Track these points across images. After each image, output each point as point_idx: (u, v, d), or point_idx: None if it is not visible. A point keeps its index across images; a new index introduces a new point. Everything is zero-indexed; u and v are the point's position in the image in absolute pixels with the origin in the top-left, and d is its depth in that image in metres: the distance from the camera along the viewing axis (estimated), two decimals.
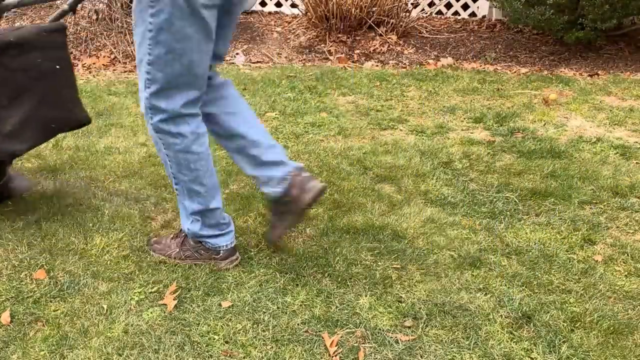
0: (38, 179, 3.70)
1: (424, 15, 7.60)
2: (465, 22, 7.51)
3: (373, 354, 2.33)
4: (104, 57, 6.38)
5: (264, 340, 2.39)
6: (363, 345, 2.37)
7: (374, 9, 6.74)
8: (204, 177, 2.67)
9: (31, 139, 2.97)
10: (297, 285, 2.71)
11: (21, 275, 2.77)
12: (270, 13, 8.05)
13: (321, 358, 2.31)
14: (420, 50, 6.72)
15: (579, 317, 2.51)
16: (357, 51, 6.66)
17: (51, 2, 2.61)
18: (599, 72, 5.98)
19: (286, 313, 2.53)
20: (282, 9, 8.03)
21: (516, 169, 3.84)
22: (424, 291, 2.67)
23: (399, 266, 2.84)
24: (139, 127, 4.57)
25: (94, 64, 6.28)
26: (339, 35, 6.88)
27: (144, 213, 3.30)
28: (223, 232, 2.81)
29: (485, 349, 2.35)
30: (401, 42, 6.83)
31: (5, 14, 7.56)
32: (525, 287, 2.70)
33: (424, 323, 2.48)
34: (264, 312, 2.54)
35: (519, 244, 3.03)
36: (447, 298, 2.62)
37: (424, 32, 7.11)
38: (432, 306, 2.57)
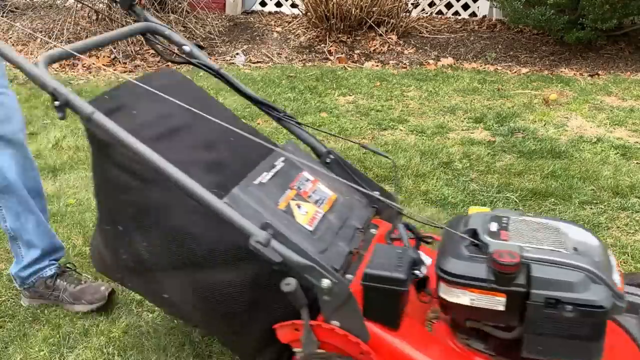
0: None
1: (424, 15, 7.60)
2: (465, 22, 7.50)
3: None
4: (104, 57, 6.38)
5: None
6: None
7: (374, 9, 6.73)
8: None
9: None
10: None
11: None
12: (270, 13, 8.05)
13: None
14: (421, 50, 6.71)
15: None
16: (357, 51, 6.65)
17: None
18: (599, 72, 5.97)
19: None
20: (282, 9, 8.03)
21: (516, 169, 3.84)
22: None
23: None
24: None
25: (94, 64, 6.28)
26: (339, 35, 6.87)
27: None
28: None
29: None
30: (401, 42, 6.83)
31: (4, 14, 7.54)
32: None
33: None
34: None
35: None
36: None
37: (424, 32, 7.11)
38: None
